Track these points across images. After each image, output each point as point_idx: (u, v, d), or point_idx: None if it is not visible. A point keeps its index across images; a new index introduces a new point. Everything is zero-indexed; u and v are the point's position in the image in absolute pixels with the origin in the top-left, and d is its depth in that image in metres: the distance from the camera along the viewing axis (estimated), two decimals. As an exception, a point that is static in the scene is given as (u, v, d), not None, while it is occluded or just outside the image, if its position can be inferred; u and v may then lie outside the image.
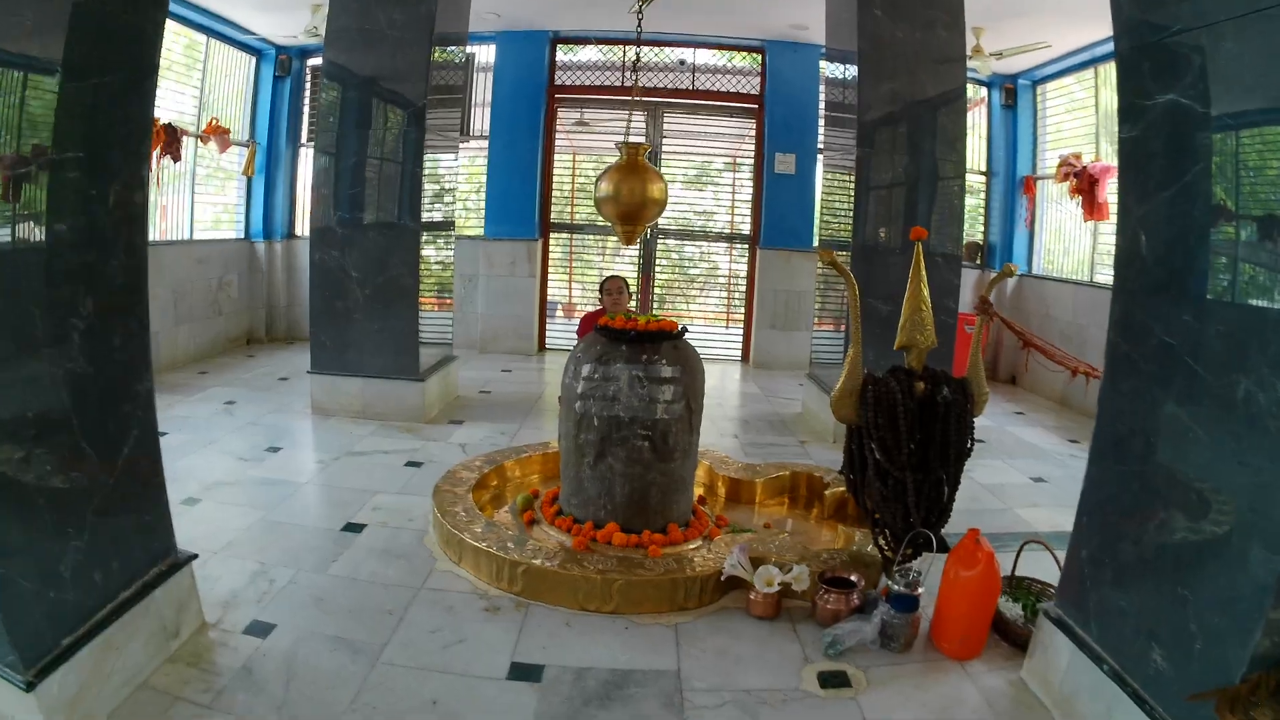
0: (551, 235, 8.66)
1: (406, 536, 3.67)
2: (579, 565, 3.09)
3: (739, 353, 8.65)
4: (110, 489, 2.38)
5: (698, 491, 4.24)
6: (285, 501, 4.06)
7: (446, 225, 6.29)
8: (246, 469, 4.54)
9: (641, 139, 8.03)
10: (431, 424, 5.63)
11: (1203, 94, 1.99)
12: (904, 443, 2.89)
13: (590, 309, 6.34)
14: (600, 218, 7.36)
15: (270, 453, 4.88)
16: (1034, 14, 6.31)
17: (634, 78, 4.01)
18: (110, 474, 2.38)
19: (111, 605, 2.36)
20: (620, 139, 3.72)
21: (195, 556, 2.80)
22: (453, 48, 6.01)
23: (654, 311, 8.46)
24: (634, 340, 3.43)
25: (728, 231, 8.65)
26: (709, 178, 8.94)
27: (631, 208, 3.64)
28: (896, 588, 2.78)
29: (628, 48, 8.26)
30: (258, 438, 5.15)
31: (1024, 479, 4.98)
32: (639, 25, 4.06)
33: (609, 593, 3.00)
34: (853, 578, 3.01)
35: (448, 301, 6.57)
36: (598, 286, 6.06)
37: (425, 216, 5.76)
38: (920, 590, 2.81)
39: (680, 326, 3.60)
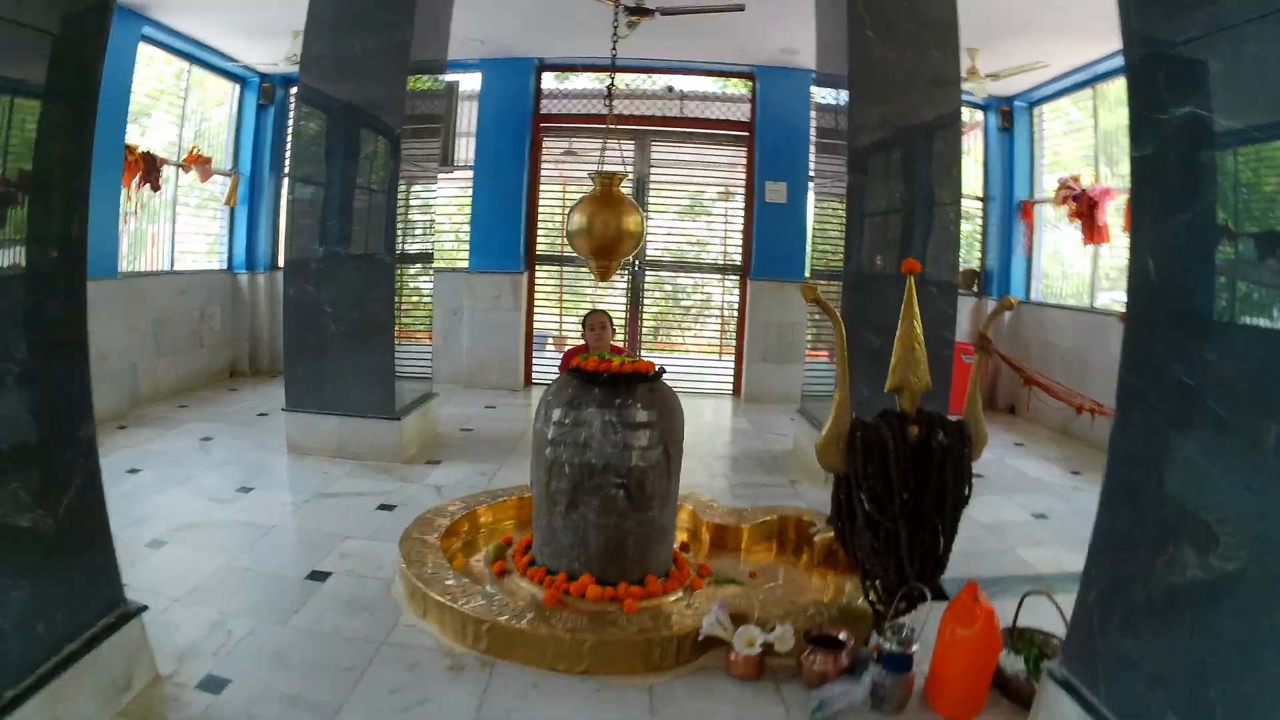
0: (539, 268, 8.49)
1: (372, 587, 3.50)
2: (547, 623, 2.90)
3: (731, 386, 8.44)
4: (52, 539, 2.31)
5: (681, 538, 4.06)
6: (253, 546, 3.92)
7: (425, 257, 6.11)
8: (216, 510, 4.41)
9: (620, 168, 8.05)
10: (409, 464, 5.44)
11: (1224, 104, 1.82)
12: (896, 492, 2.71)
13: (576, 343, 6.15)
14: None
15: (242, 493, 4.74)
16: (1030, 33, 6.18)
17: (609, 103, 3.84)
18: (51, 523, 2.31)
19: (57, 658, 2.28)
20: (595, 168, 3.54)
21: (145, 608, 2.68)
22: (431, 76, 5.87)
23: (641, 346, 8.31)
24: (607, 383, 3.25)
25: (718, 262, 8.48)
26: (701, 207, 8.79)
27: (606, 241, 3.47)
28: (888, 646, 2.59)
29: (614, 74, 8.13)
30: (231, 477, 5.01)
31: (1025, 515, 4.79)
32: (614, 48, 3.90)
33: (579, 653, 2.81)
34: (841, 635, 2.80)
35: (421, 335, 6.36)
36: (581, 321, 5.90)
37: (404, 248, 5.61)
38: (914, 648, 2.61)
39: (657, 368, 3.42)
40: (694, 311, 8.93)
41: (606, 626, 2.88)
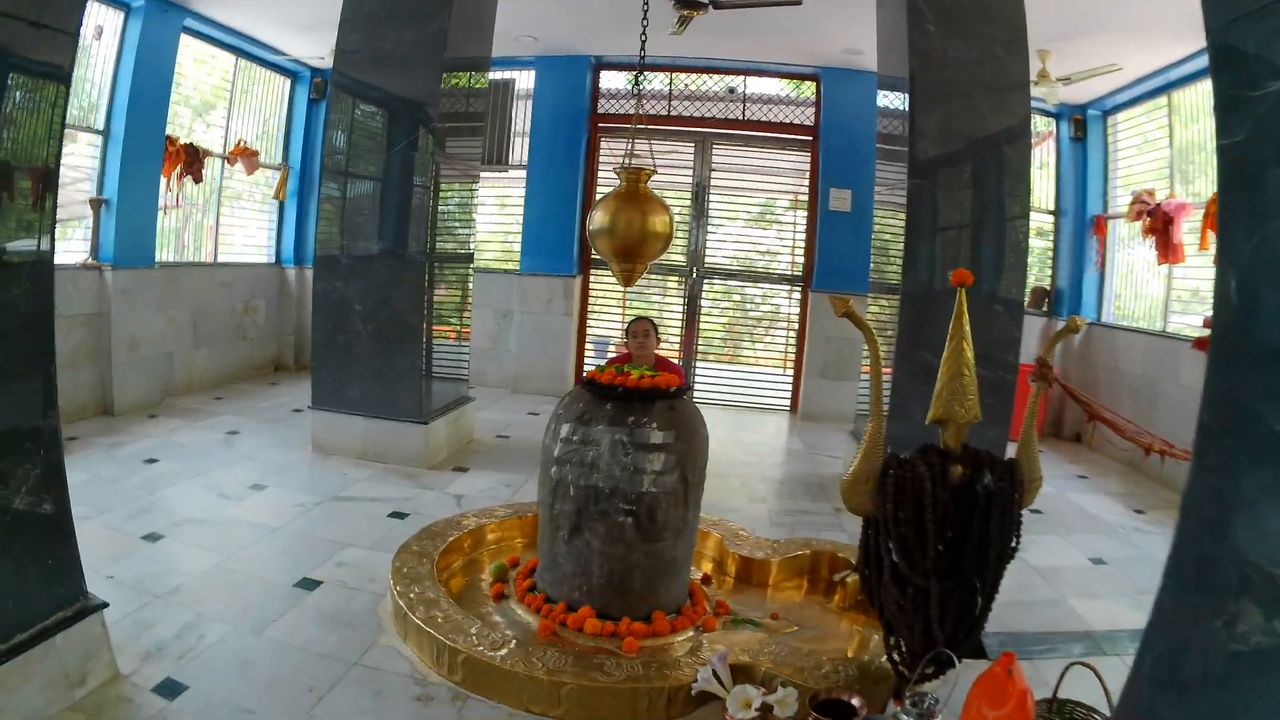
0: (593, 272, 8.23)
1: (361, 601, 3.30)
2: (527, 660, 2.61)
3: (787, 402, 8.05)
4: (6, 528, 2.28)
5: (705, 568, 3.74)
6: (250, 547, 3.79)
7: (464, 257, 5.88)
8: (224, 507, 4.30)
9: (649, 163, 7.70)
10: (435, 470, 5.22)
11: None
12: (930, 544, 2.33)
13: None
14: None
15: (254, 490, 4.63)
16: (1102, 34, 5.73)
17: (636, 93, 3.56)
18: (4, 514, 2.27)
19: (5, 646, 2.25)
20: (622, 162, 3.25)
21: (106, 605, 2.60)
22: (472, 72, 5.65)
23: (696, 357, 7.98)
24: (621, 399, 2.94)
25: (778, 272, 8.10)
26: (772, 216, 8.42)
27: (629, 242, 3.16)
28: (906, 718, 2.22)
29: (674, 74, 7.86)
30: (248, 473, 4.90)
31: (1082, 560, 4.36)
32: (643, 35, 3.61)
33: (557, 696, 2.51)
34: (854, 701, 2.43)
35: (455, 333, 6.11)
36: (624, 329, 5.62)
37: (442, 247, 5.41)
38: None
39: (684, 384, 3.10)
40: (755, 322, 8.55)
41: (591, 671, 2.57)
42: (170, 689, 2.55)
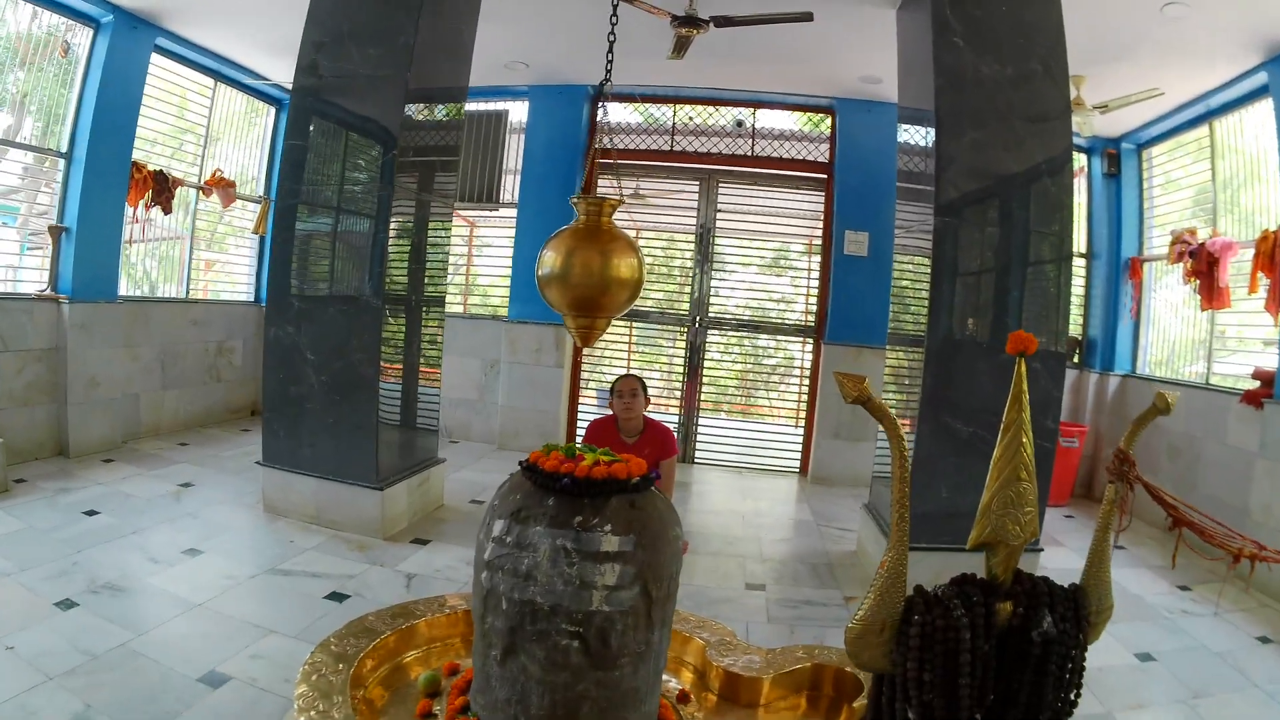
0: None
1: (268, 707, 2.84)
2: None
3: (797, 463, 7.41)
4: None
5: (686, 679, 3.12)
6: (162, 626, 3.39)
7: (430, 301, 5.30)
8: (149, 573, 3.91)
9: (626, 191, 6.89)
10: (392, 541, 4.66)
11: None
12: (965, 711, 1.73)
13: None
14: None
15: (187, 555, 4.19)
16: (1139, 58, 5.23)
17: (603, 105, 3.00)
18: None
19: None
20: (576, 195, 2.67)
21: None
22: (449, 96, 5.17)
23: (699, 412, 7.39)
24: (565, 491, 2.36)
25: (789, 322, 7.52)
26: (786, 262, 7.88)
27: (587, 291, 2.57)
28: None
29: (677, 106, 7.36)
30: (186, 534, 4.44)
31: (1127, 657, 3.73)
32: (610, 54, 3.09)
33: None
34: None
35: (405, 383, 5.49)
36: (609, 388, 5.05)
37: (405, 291, 4.90)
38: None
39: (650, 473, 2.51)
40: (766, 374, 7.97)
41: None
42: None
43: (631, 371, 5.75)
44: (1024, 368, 1.81)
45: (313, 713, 2.46)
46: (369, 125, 4.66)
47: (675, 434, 7.21)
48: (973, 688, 1.73)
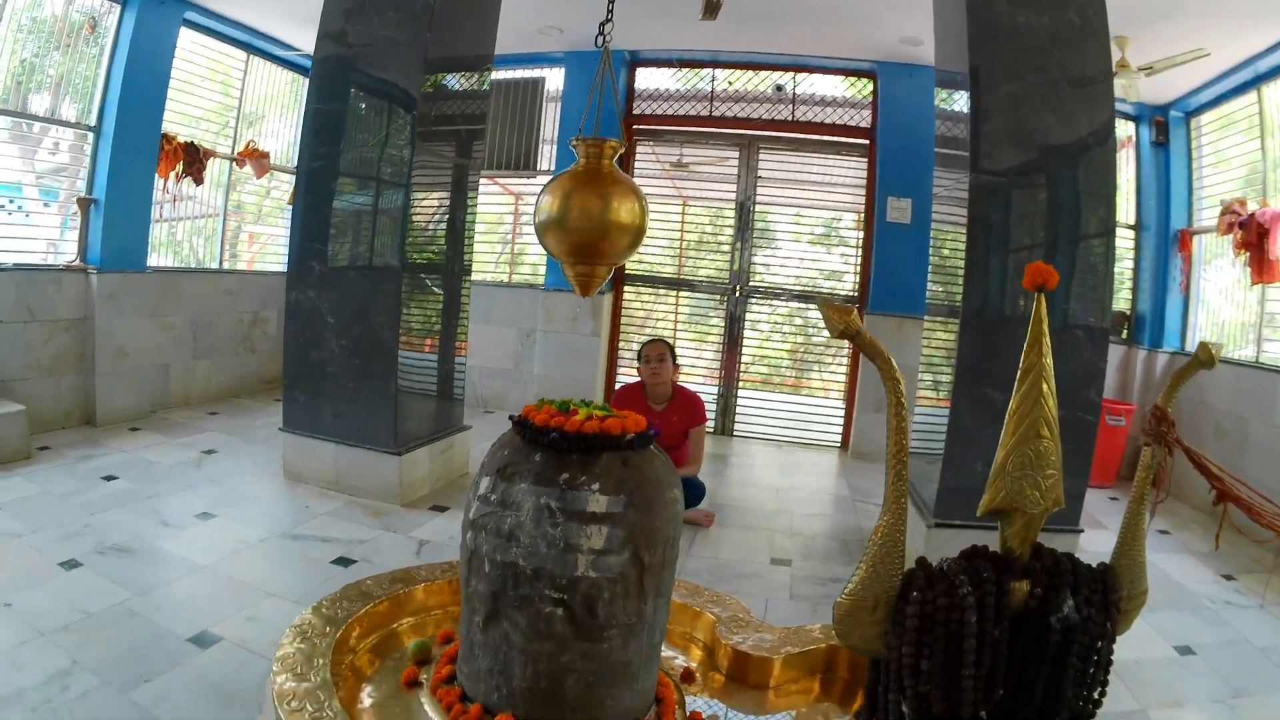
0: (627, 288, 7.54)
1: (254, 670, 2.73)
2: None
3: (838, 438, 7.19)
4: None
5: (695, 660, 2.96)
6: (163, 587, 3.34)
7: (457, 269, 5.20)
8: (158, 537, 3.85)
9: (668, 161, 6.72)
10: (410, 507, 4.57)
11: None
12: (968, 707, 1.52)
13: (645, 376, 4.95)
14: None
15: (199, 519, 4.13)
16: (1182, 18, 4.92)
17: (604, 39, 2.83)
18: None
19: None
20: (577, 136, 2.51)
21: None
22: (474, 60, 5.03)
23: (738, 385, 7.18)
24: (552, 447, 2.20)
25: (831, 291, 7.27)
26: (837, 234, 7.61)
27: (586, 236, 2.38)
28: None
29: (715, 70, 7.13)
30: (201, 500, 4.38)
31: (1166, 649, 3.45)
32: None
33: None
34: None
35: (428, 344, 5.37)
36: (636, 353, 4.90)
37: (429, 256, 4.81)
38: None
39: (648, 430, 2.34)
40: (815, 355, 7.73)
41: None
42: None
43: (660, 336, 5.57)
44: (1044, 305, 1.60)
45: (290, 675, 2.35)
46: (389, 90, 4.56)
47: (714, 405, 7.12)
48: (978, 680, 1.50)
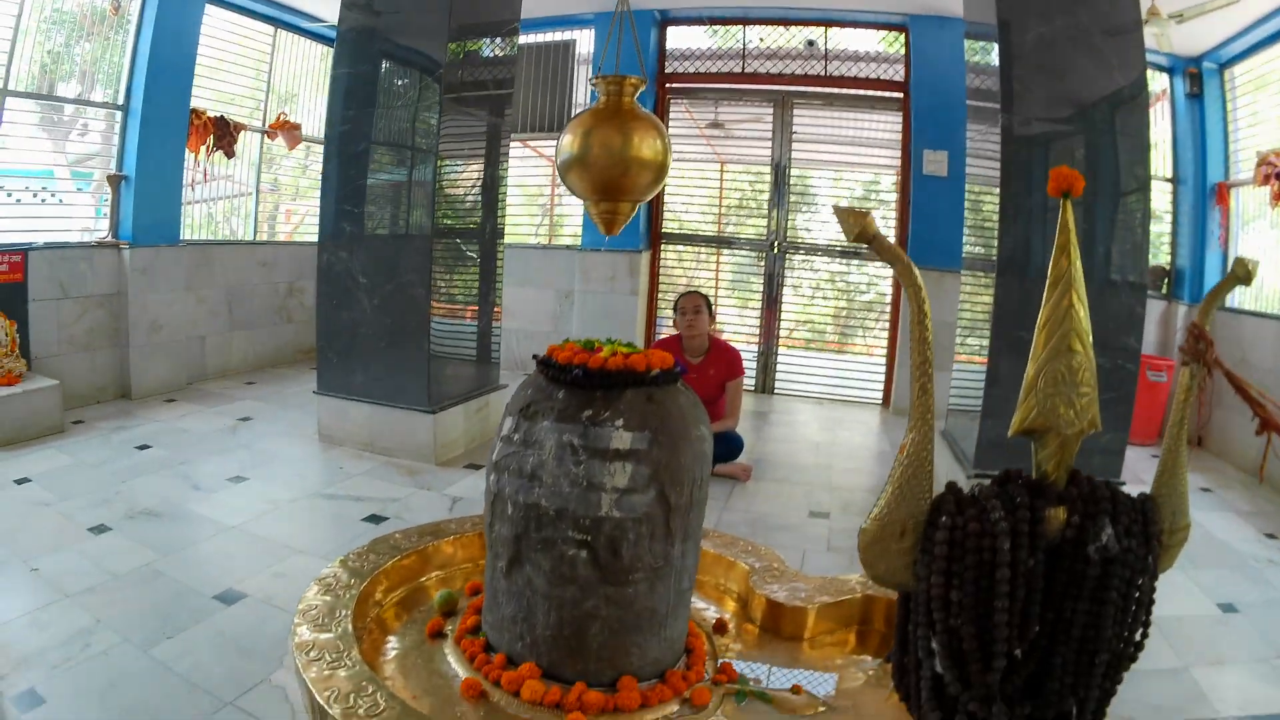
0: (665, 247, 7.47)
1: (279, 623, 2.74)
2: None
3: (879, 395, 7.08)
4: None
5: (728, 611, 2.89)
6: (189, 547, 3.38)
7: (488, 230, 5.17)
8: (189, 500, 3.91)
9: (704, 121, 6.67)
10: (445, 466, 4.58)
11: None
12: (1002, 643, 1.41)
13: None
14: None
15: (231, 483, 4.16)
16: None
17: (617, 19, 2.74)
18: None
19: None
20: (596, 75, 2.44)
21: None
22: (502, 24, 4.97)
23: (779, 343, 7.09)
24: (575, 384, 2.14)
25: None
26: (876, 196, 7.45)
27: (609, 174, 2.32)
28: None
29: (747, 26, 6.98)
30: (234, 464, 4.41)
31: (1209, 606, 3.35)
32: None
33: None
34: None
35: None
36: (673, 305, 4.84)
37: (460, 217, 4.82)
38: None
39: (674, 368, 2.28)
40: (859, 317, 7.60)
41: None
42: (29, 702, 2.25)
43: (697, 289, 5.50)
44: (1070, 212, 1.49)
45: (311, 626, 2.33)
46: (413, 55, 4.58)
47: (754, 364, 7.06)
48: (1013, 614, 1.39)
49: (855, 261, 7.22)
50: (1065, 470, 1.50)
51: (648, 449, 2.06)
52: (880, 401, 7.05)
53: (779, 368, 7.26)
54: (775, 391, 7.24)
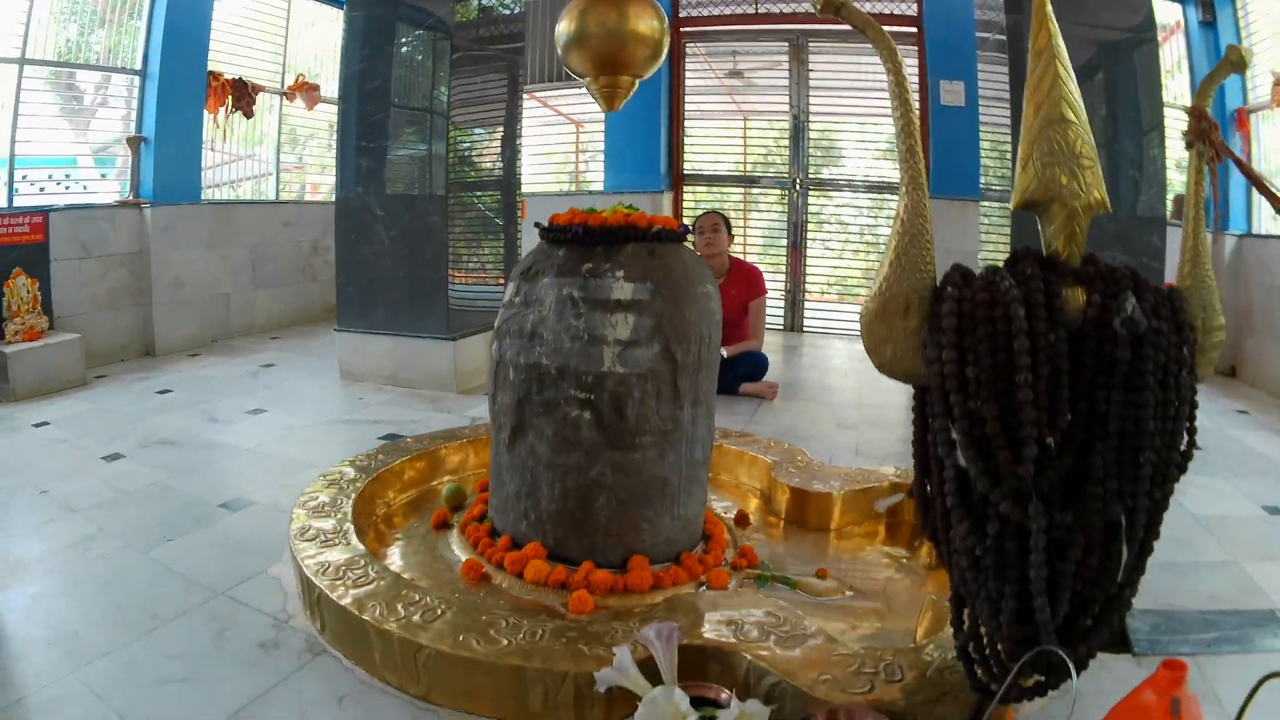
0: (687, 188, 7.33)
1: (282, 526, 2.58)
2: (390, 606, 1.78)
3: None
4: None
5: (752, 503, 2.78)
6: (202, 467, 3.31)
7: (510, 161, 5.10)
8: (206, 430, 3.81)
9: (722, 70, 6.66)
10: (466, 394, 4.51)
11: None
12: (1030, 428, 1.25)
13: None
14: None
15: (249, 415, 4.10)
16: None
17: None
18: None
19: None
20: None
21: None
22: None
23: (805, 280, 6.94)
24: (576, 241, 2.03)
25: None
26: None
27: (606, 48, 2.26)
28: None
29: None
30: (254, 400, 4.36)
31: (1254, 509, 3.15)
32: None
33: (415, 667, 1.66)
34: None
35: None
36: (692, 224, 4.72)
37: (487, 152, 4.78)
38: None
39: (679, 228, 2.16)
40: (868, 241, 7.41)
41: (468, 632, 1.68)
42: (19, 599, 2.19)
43: (715, 209, 5.36)
44: None
45: (310, 513, 2.26)
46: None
47: (781, 302, 6.91)
48: (1037, 391, 1.24)
49: (879, 196, 7.02)
50: (1078, 250, 1.36)
51: (650, 300, 1.96)
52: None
53: (806, 305, 7.10)
54: (804, 329, 7.09)
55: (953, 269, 1.36)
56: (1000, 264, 1.38)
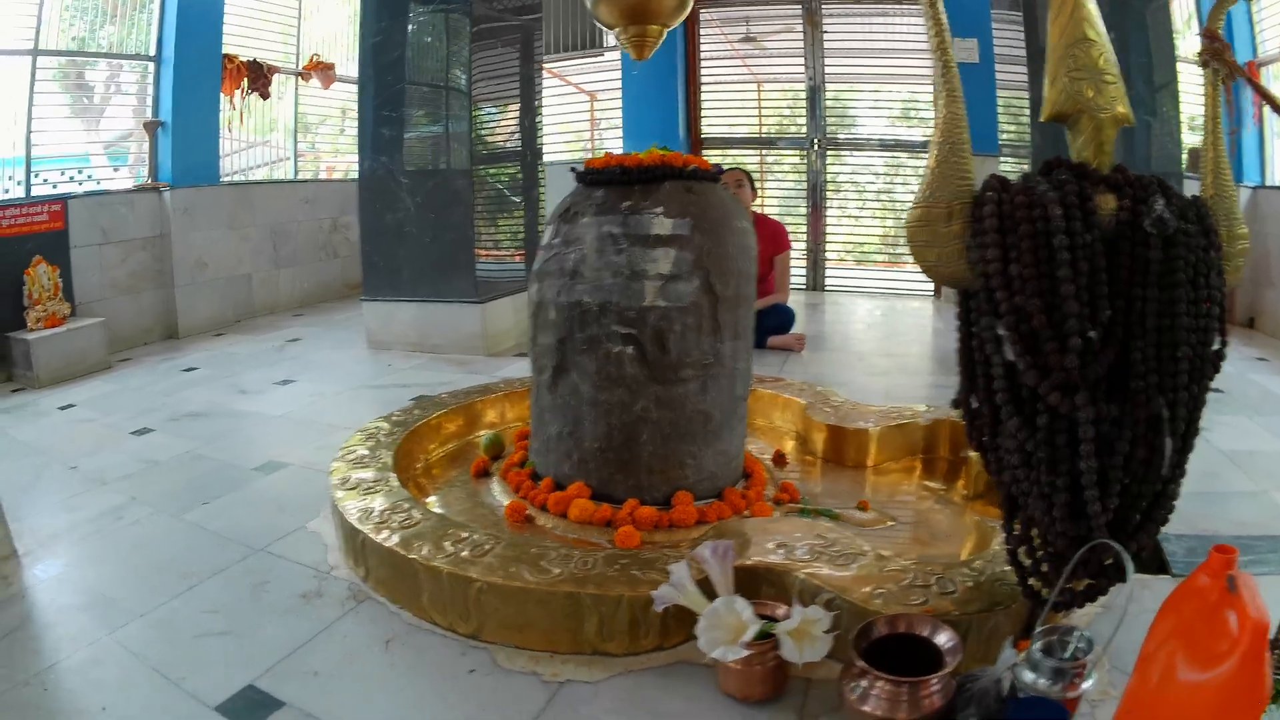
0: (705, 153, 7.31)
1: (318, 484, 2.59)
2: (437, 545, 1.79)
3: (931, 288, 6.87)
4: None
5: (788, 445, 2.81)
6: (232, 434, 3.33)
7: (531, 126, 5.12)
8: (235, 401, 3.85)
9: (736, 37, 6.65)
10: (495, 357, 4.56)
11: None
12: (1075, 320, 1.30)
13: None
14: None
15: (278, 386, 4.14)
16: None
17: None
18: None
19: None
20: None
21: None
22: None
23: (825, 240, 6.94)
24: (615, 181, 2.04)
25: (907, 139, 6.90)
26: (915, 114, 7.21)
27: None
28: (1032, 675, 1.27)
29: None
30: (280, 371, 4.41)
31: (1278, 444, 3.17)
32: None
33: (464, 604, 1.68)
34: (938, 638, 1.43)
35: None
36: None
37: (508, 117, 4.83)
38: (1088, 684, 1.28)
39: (713, 169, 2.17)
40: (895, 233, 7.38)
41: (518, 564, 1.70)
42: (51, 567, 2.18)
43: (738, 165, 5.37)
44: None
45: (350, 465, 2.30)
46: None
47: (803, 262, 6.91)
48: (1078, 285, 1.30)
49: (896, 157, 6.99)
50: (1106, 160, 1.45)
51: (689, 235, 1.98)
52: (933, 292, 6.82)
53: (828, 265, 7.10)
54: (826, 289, 7.09)
55: (990, 177, 1.42)
56: (1044, 166, 1.42)
